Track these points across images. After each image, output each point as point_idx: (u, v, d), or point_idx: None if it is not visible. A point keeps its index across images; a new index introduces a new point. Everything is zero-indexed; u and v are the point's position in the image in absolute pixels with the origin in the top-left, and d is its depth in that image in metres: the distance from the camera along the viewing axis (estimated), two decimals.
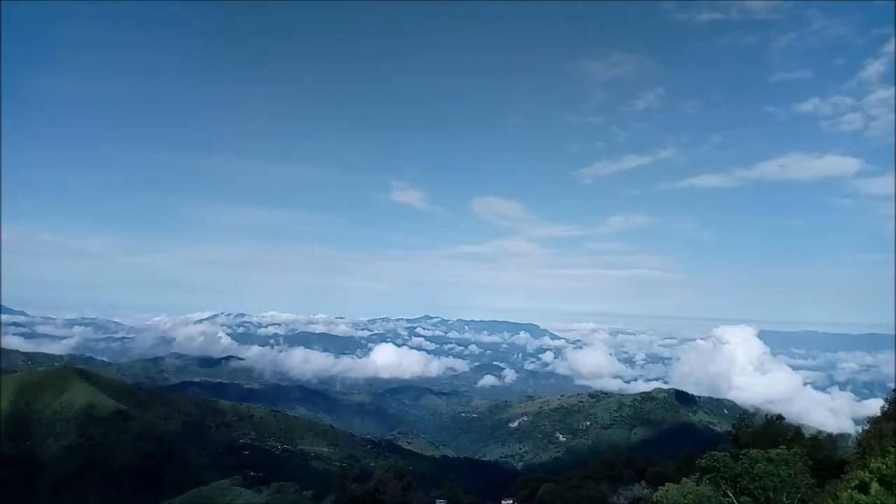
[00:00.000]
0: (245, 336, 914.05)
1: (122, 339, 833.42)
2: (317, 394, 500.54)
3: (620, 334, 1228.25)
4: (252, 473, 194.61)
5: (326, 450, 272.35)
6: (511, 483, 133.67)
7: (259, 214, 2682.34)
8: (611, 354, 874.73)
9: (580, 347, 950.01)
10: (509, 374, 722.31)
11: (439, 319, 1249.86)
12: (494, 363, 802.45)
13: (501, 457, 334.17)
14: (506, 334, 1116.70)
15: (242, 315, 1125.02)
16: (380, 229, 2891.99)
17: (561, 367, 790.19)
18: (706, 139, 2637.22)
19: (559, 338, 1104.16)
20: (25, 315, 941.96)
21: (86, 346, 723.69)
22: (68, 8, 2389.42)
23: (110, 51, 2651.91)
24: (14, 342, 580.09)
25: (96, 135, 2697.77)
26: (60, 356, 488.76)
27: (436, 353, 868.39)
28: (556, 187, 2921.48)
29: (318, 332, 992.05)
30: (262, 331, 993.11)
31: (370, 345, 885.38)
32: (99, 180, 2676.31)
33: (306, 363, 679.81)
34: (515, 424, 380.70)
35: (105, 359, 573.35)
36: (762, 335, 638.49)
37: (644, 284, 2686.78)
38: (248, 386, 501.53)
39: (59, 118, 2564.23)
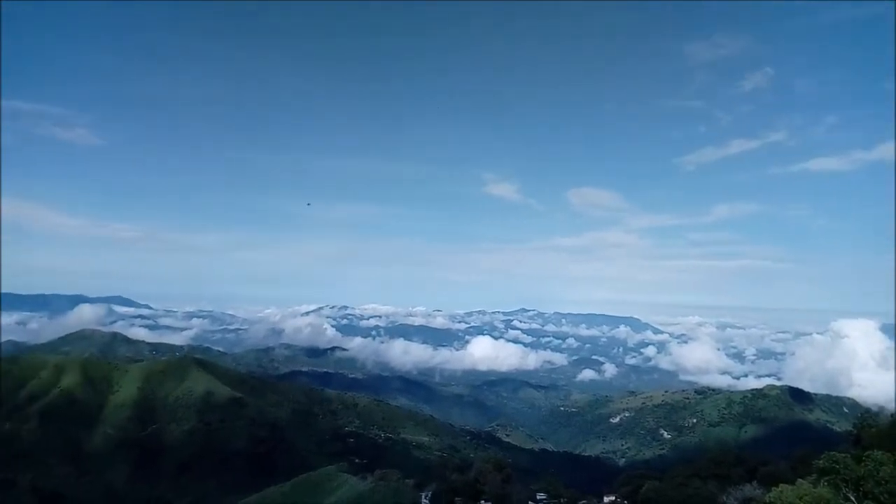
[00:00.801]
0: (348, 327, 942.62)
1: (235, 330, 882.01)
2: (417, 384, 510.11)
3: (728, 328, 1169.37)
4: (357, 460, 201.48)
5: (427, 439, 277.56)
6: (612, 479, 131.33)
7: (361, 210, 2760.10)
8: (718, 349, 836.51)
9: (685, 342, 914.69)
10: (609, 369, 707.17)
11: (536, 312, 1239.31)
12: (593, 357, 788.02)
13: (602, 452, 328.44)
14: (605, 328, 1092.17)
15: (345, 307, 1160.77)
16: (474, 223, 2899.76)
17: (664, 362, 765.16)
18: (821, 120, 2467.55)
19: (662, 332, 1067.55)
20: (150, 308, 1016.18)
21: (203, 336, 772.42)
22: (182, 13, 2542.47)
23: (218, 56, 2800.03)
24: (140, 333, 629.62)
25: (210, 138, 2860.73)
26: (181, 346, 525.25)
27: (533, 346, 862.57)
28: (656, 175, 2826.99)
29: (416, 324, 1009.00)
30: (363, 323, 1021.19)
31: (467, 337, 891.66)
32: (213, 181, 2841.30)
33: (406, 354, 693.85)
34: (617, 420, 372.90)
35: (221, 349, 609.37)
36: (885, 329, 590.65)
37: (753, 275, 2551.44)
38: (352, 376, 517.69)
39: (177, 123, 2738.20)
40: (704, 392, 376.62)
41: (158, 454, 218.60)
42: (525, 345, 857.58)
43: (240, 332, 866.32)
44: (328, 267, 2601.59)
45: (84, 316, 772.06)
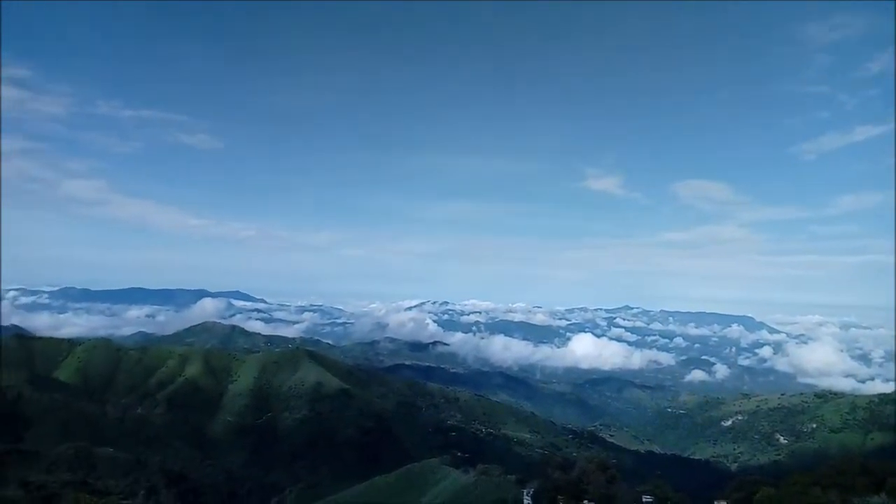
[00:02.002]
0: (449, 323, 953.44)
1: (343, 324, 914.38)
2: (517, 381, 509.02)
3: (853, 328, 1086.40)
4: (459, 454, 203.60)
5: (528, 436, 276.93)
6: (723, 484, 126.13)
7: (462, 208, 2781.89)
8: (841, 350, 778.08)
9: (804, 342, 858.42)
10: (721, 370, 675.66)
11: (640, 310, 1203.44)
12: (703, 357, 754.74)
13: (712, 456, 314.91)
14: (716, 327, 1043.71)
15: (446, 303, 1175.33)
16: (575, 218, 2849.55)
17: (781, 364, 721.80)
18: None
19: (779, 331, 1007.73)
20: (265, 302, 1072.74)
21: (314, 329, 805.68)
22: (290, 17, 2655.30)
23: (327, 59, 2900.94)
24: (256, 326, 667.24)
25: (320, 139, 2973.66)
26: (293, 339, 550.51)
27: (638, 344, 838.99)
28: (772, 166, 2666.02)
29: (516, 320, 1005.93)
30: (464, 318, 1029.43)
31: (568, 334, 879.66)
32: (323, 181, 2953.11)
33: (506, 350, 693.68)
34: (729, 423, 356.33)
35: (330, 342, 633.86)
36: None
37: (880, 272, 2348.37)
38: (454, 370, 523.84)
39: (289, 125, 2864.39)
40: (825, 396, 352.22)
41: (273, 441, 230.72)
42: (629, 343, 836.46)
43: (347, 325, 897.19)
44: (430, 263, 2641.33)
45: (206, 309, 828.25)
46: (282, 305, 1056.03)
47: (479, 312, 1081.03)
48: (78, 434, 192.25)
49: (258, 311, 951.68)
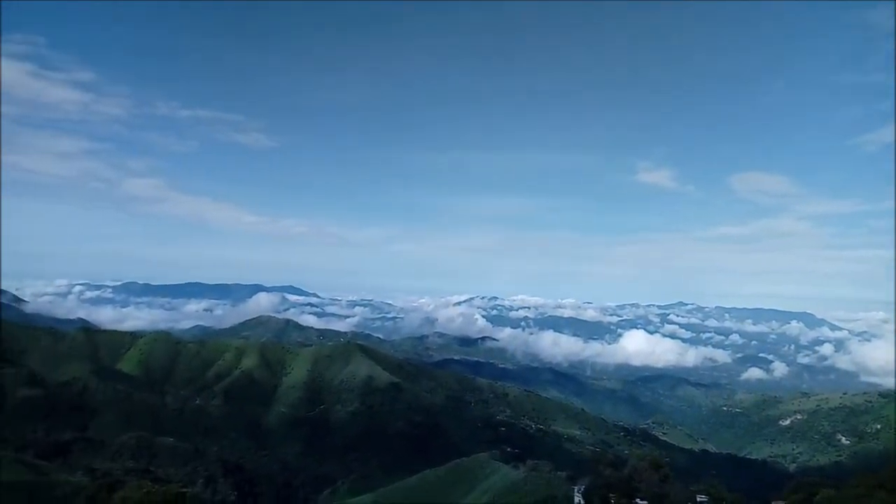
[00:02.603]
0: (498, 318, 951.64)
1: (393, 318, 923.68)
2: (567, 377, 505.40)
3: None
4: (508, 449, 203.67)
5: (579, 433, 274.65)
6: (781, 485, 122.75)
7: (510, 203, 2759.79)
8: None
9: (867, 339, 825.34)
10: (779, 368, 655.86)
11: (695, 306, 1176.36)
12: (761, 355, 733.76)
13: (770, 456, 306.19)
14: (774, 323, 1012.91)
15: (495, 298, 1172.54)
16: (626, 212, 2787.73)
17: (843, 362, 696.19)
18: None
19: (841, 328, 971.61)
20: (317, 297, 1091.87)
21: (364, 324, 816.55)
22: (337, 19, 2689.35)
23: (376, 59, 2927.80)
24: (309, 320, 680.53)
25: (369, 137, 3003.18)
26: (345, 333, 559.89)
27: (692, 341, 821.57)
28: (833, 157, 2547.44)
29: (566, 316, 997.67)
30: (513, 314, 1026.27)
31: (620, 330, 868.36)
32: (373, 178, 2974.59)
33: (556, 346, 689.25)
34: (787, 422, 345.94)
35: (380, 336, 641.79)
36: None
37: None
38: (503, 366, 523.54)
39: (339, 124, 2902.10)
40: (890, 395, 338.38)
41: (325, 433, 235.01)
42: (683, 340, 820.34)
43: (397, 320, 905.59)
44: (479, 259, 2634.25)
45: (261, 304, 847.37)
46: (333, 300, 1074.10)
47: (528, 308, 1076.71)
48: (140, 424, 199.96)
49: (311, 305, 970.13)
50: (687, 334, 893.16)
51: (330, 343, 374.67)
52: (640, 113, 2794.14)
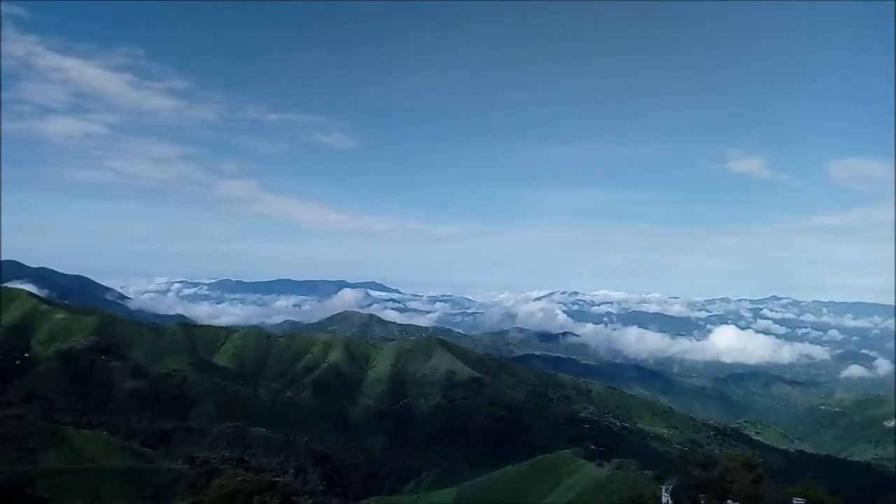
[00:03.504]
0: (579, 313, 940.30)
1: (473, 314, 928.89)
2: (653, 374, 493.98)
3: None
4: (592, 446, 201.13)
5: (666, 431, 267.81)
6: (886, 489, 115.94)
7: (592, 196, 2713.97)
8: None
9: None
10: (883, 365, 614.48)
11: (790, 300, 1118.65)
12: (862, 351, 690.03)
13: (874, 458, 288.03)
14: (876, 318, 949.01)
15: (576, 293, 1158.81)
16: (715, 203, 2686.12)
17: None
18: None
19: None
20: (399, 293, 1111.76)
21: (445, 319, 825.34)
22: (412, 19, 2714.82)
23: (450, 57, 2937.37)
24: (392, 315, 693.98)
25: (447, 134, 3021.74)
26: (426, 328, 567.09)
27: (787, 337, 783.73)
28: None
29: (651, 311, 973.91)
30: (595, 309, 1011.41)
31: (709, 326, 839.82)
32: (451, 174, 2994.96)
33: (641, 342, 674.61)
34: (893, 423, 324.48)
35: (460, 331, 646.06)
36: None
37: None
38: (585, 362, 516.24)
39: (417, 122, 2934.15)
40: None
41: (409, 426, 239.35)
42: (777, 336, 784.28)
43: (477, 315, 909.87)
44: (559, 253, 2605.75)
45: (346, 299, 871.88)
46: (415, 296, 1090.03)
47: (611, 303, 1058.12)
48: (234, 414, 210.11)
49: (393, 300, 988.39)
50: (781, 330, 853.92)
51: (412, 338, 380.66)
52: (730, 98, 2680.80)
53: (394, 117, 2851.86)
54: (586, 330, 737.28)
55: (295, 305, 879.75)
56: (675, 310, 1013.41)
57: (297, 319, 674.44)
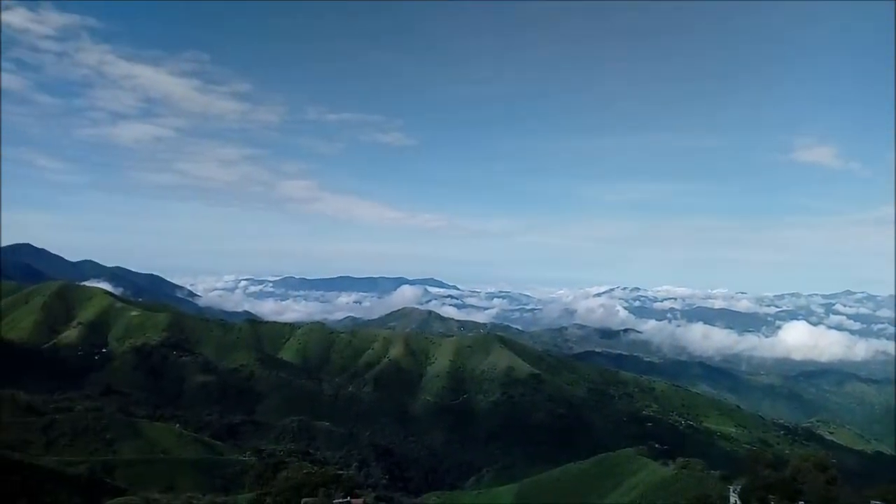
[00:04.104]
0: (641, 310, 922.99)
1: (531, 310, 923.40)
2: (720, 372, 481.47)
3: None
4: (656, 445, 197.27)
5: (734, 430, 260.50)
6: None
7: (652, 188, 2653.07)
8: None
9: None
10: None
11: (865, 295, 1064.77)
12: None
13: None
14: None
15: (637, 289, 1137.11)
16: (782, 194, 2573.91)
17: None
18: None
19: None
20: (457, 289, 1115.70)
21: (503, 315, 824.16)
22: (464, 19, 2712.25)
23: (501, 53, 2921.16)
24: (450, 311, 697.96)
25: (499, 128, 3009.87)
26: (484, 324, 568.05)
27: (862, 333, 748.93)
28: None
29: (717, 307, 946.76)
30: (657, 305, 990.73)
31: (778, 322, 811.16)
32: (506, 168, 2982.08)
33: (706, 339, 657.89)
34: None
35: (519, 327, 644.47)
36: None
37: None
38: (648, 359, 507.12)
39: (470, 118, 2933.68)
40: None
41: (468, 422, 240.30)
42: (851, 332, 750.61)
43: (535, 311, 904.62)
44: (619, 248, 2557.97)
45: (405, 296, 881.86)
46: (472, 292, 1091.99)
47: (675, 299, 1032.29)
48: (299, 408, 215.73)
49: (451, 297, 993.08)
50: (856, 325, 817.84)
51: (470, 334, 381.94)
52: (796, 85, 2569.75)
53: (449, 114, 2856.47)
54: (649, 326, 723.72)
55: (356, 302, 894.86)
56: (743, 305, 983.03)
57: (357, 316, 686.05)
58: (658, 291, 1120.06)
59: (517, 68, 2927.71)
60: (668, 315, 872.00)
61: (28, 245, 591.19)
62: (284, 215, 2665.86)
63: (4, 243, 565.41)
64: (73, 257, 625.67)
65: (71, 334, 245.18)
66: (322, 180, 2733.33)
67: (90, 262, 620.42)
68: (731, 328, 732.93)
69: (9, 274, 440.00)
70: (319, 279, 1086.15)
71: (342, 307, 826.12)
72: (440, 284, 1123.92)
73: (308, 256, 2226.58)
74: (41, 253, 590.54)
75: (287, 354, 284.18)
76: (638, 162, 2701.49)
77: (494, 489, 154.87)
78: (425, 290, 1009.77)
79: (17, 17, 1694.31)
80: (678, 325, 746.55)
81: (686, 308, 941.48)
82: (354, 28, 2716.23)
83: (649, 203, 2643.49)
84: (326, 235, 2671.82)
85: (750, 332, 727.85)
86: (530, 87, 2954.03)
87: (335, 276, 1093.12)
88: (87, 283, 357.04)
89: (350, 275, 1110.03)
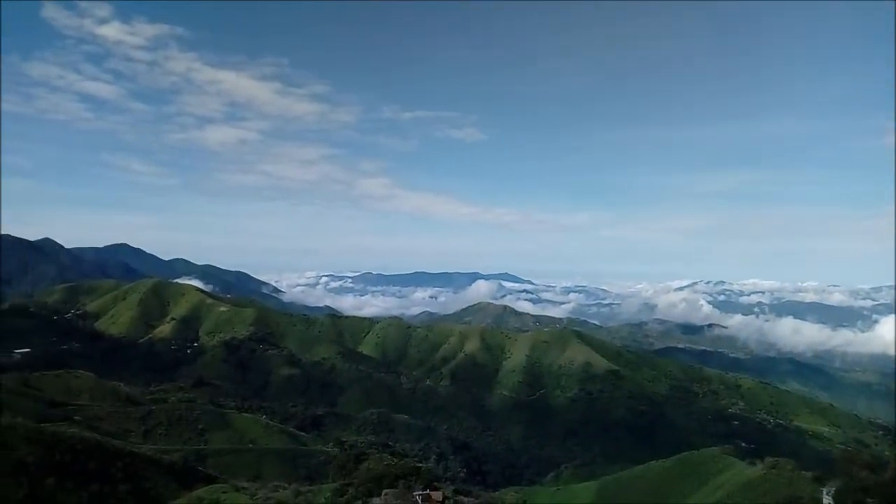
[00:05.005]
0: (726, 304, 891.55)
1: (609, 305, 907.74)
2: (811, 368, 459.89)
3: None
4: (743, 444, 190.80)
5: (826, 429, 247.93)
6: None
7: (735, 178, 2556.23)
8: None
9: None
10: None
11: None
12: None
13: None
14: None
15: (722, 283, 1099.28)
16: (877, 182, 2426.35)
17: None
18: None
19: None
20: (532, 283, 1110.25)
21: (579, 310, 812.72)
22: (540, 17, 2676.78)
23: (574, 49, 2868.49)
24: (525, 306, 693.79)
25: (573, 121, 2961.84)
26: (560, 319, 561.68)
27: None
28: None
29: (807, 300, 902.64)
30: (743, 299, 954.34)
31: (875, 316, 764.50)
32: (580, 161, 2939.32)
33: (796, 334, 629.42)
34: None
35: (596, 322, 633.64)
36: None
37: None
38: (733, 355, 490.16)
39: (543, 112, 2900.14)
40: None
41: (546, 417, 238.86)
42: None
43: (613, 306, 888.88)
44: (701, 240, 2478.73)
45: (480, 291, 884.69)
46: (548, 286, 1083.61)
47: (762, 292, 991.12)
48: (379, 401, 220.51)
49: (526, 291, 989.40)
50: None
51: (546, 329, 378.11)
52: (888, 66, 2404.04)
53: (522, 108, 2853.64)
54: (734, 321, 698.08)
55: (431, 297, 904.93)
56: (836, 299, 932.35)
57: (433, 311, 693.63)
58: (744, 285, 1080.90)
59: (594, 61, 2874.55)
60: (756, 309, 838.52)
61: (125, 245, 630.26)
62: (362, 212, 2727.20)
63: (104, 244, 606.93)
64: (166, 256, 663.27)
65: (165, 329, 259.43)
66: (397, 177, 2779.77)
67: (182, 260, 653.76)
68: (823, 323, 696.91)
69: (109, 272, 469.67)
70: (396, 275, 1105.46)
71: (418, 302, 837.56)
72: (515, 279, 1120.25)
73: (385, 252, 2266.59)
74: (137, 252, 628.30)
75: (366, 348, 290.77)
76: (725, 151, 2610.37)
77: (573, 486, 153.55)
78: (500, 284, 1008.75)
79: (112, 31, 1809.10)
80: (766, 320, 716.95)
81: (774, 302, 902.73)
82: (426, 27, 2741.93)
83: (735, 193, 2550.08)
84: (402, 231, 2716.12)
85: (844, 326, 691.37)
86: (607, 80, 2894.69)
87: (411, 272, 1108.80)
88: (179, 281, 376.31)
89: (425, 270, 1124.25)
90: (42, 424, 78.74)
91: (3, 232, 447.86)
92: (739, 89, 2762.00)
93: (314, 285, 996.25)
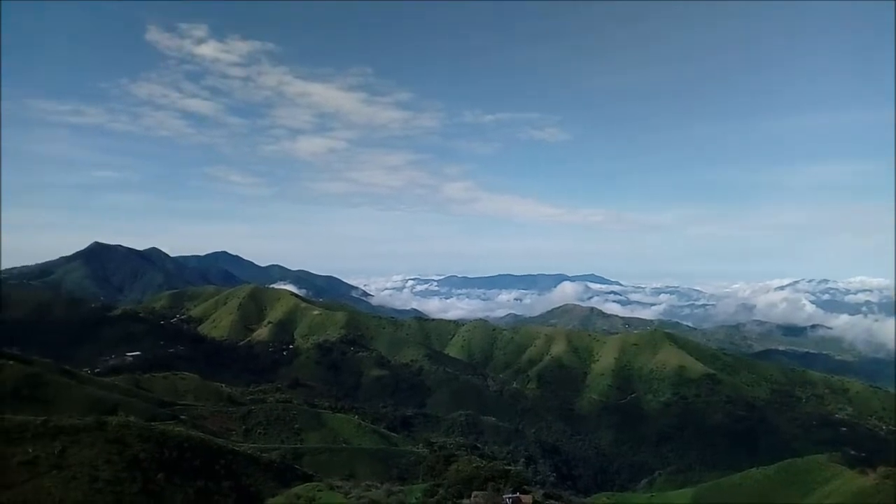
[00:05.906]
0: (830, 303, 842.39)
1: (703, 306, 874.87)
2: None
3: None
4: (852, 452, 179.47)
5: None
6: None
7: (839, 169, 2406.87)
8: None
9: None
10: None
11: None
12: None
13: None
14: None
15: (826, 281, 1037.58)
16: None
17: None
18: None
19: None
20: (620, 285, 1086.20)
21: (671, 312, 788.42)
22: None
23: (647, 38, 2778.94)
24: (613, 308, 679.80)
25: (660, 117, 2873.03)
26: (650, 321, 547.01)
27: None
28: None
29: None
30: (850, 298, 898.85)
31: None
32: (668, 159, 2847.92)
33: None
34: None
35: (689, 324, 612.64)
36: None
37: None
38: (839, 357, 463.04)
39: (628, 110, 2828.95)
40: None
41: (638, 422, 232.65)
42: None
43: (707, 307, 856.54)
44: (802, 237, 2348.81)
45: (566, 292, 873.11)
46: (637, 287, 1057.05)
47: (869, 291, 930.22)
48: (466, 403, 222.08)
49: (614, 293, 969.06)
50: None
51: (636, 331, 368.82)
52: None
53: (604, 107, 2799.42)
54: (840, 322, 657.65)
55: (516, 299, 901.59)
56: None
57: (518, 313, 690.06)
58: (850, 283, 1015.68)
59: (678, 56, 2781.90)
60: (863, 309, 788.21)
61: (225, 253, 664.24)
62: (447, 216, 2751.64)
63: (205, 252, 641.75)
64: (262, 262, 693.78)
65: (262, 332, 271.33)
66: (481, 180, 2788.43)
67: (277, 266, 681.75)
68: None
69: (210, 279, 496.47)
70: (481, 277, 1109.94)
71: (503, 304, 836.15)
72: (602, 280, 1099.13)
73: (469, 255, 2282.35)
74: (236, 259, 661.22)
75: (453, 350, 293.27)
76: (823, 141, 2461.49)
77: (668, 492, 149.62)
78: (586, 286, 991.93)
79: (209, 49, 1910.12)
80: (875, 320, 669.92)
81: (884, 300, 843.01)
82: (505, 29, 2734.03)
83: (839, 186, 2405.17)
84: (486, 234, 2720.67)
85: None
86: (693, 74, 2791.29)
87: (495, 275, 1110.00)
88: (275, 286, 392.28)
89: (510, 272, 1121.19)
90: (152, 423, 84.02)
91: (115, 243, 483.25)
92: (839, 78, 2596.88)
93: (401, 289, 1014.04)
